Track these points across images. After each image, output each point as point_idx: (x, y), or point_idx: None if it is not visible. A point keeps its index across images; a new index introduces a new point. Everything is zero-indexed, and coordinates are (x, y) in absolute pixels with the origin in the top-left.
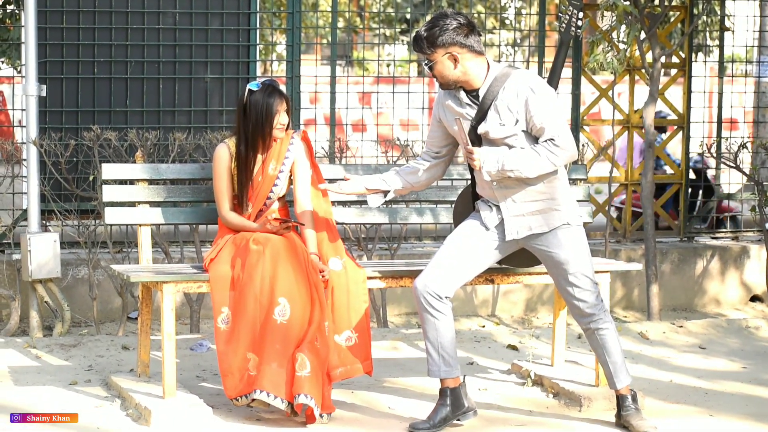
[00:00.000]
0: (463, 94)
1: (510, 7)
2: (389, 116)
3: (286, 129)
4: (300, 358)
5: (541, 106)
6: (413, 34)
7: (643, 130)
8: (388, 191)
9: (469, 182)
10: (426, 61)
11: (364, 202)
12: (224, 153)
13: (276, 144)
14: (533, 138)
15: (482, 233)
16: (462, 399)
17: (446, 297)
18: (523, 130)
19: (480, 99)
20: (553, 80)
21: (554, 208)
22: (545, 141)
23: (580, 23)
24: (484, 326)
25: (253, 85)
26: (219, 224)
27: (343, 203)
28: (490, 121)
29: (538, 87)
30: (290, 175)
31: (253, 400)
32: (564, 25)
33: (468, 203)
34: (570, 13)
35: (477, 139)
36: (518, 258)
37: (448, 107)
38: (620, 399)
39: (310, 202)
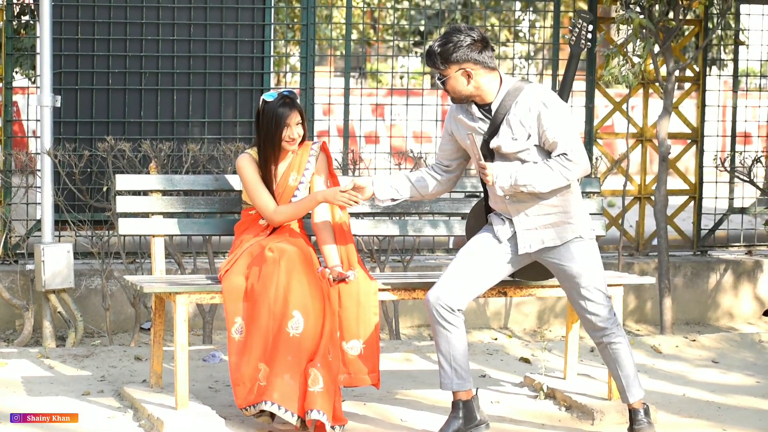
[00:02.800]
0: (475, 108)
1: (524, 19)
2: (402, 128)
3: (302, 141)
4: (313, 373)
5: (554, 121)
6: (426, 49)
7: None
8: (398, 199)
9: (482, 196)
10: (438, 76)
11: (378, 214)
12: (249, 160)
13: (297, 155)
14: (546, 152)
15: (495, 246)
16: (474, 412)
17: (459, 310)
18: (535, 145)
19: (492, 113)
20: (564, 93)
21: (567, 221)
22: (558, 156)
23: (590, 36)
24: (496, 339)
25: (268, 96)
26: (234, 235)
27: (356, 215)
28: (502, 135)
29: (551, 101)
30: (310, 186)
31: (262, 411)
32: (574, 38)
33: (481, 217)
34: (580, 26)
35: (489, 154)
36: (531, 271)
37: (460, 121)
38: (632, 413)
39: (328, 213)
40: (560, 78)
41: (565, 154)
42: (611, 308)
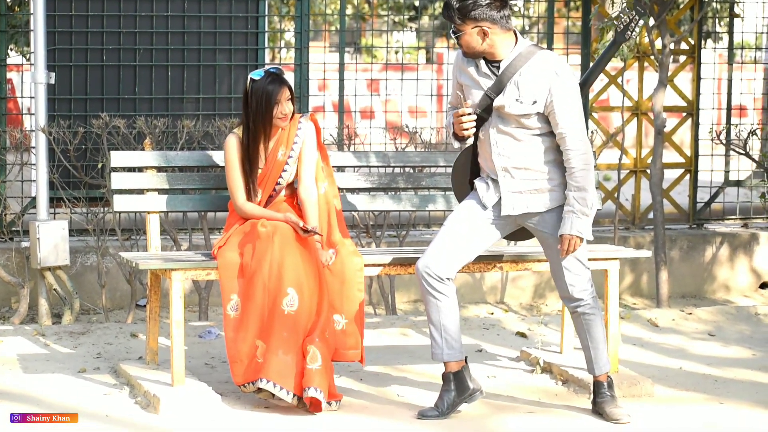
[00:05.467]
0: (482, 63)
1: None
2: (398, 103)
3: (292, 117)
4: (311, 350)
5: (562, 94)
6: (443, 2)
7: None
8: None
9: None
10: (453, 30)
11: (374, 189)
12: (234, 143)
13: (285, 130)
14: (545, 119)
15: (481, 213)
16: (466, 381)
17: (448, 278)
18: (538, 112)
19: (500, 71)
20: (592, 76)
21: (553, 189)
22: (565, 149)
23: (637, 30)
24: (492, 313)
25: (255, 74)
26: (228, 211)
27: (352, 190)
28: (507, 95)
29: (563, 71)
30: (299, 159)
31: (259, 389)
32: (622, 26)
33: (467, 159)
34: (631, 17)
35: (488, 111)
36: (520, 234)
37: (465, 71)
38: (597, 385)
39: (314, 185)
40: (556, 53)
41: (569, 147)
42: (589, 279)
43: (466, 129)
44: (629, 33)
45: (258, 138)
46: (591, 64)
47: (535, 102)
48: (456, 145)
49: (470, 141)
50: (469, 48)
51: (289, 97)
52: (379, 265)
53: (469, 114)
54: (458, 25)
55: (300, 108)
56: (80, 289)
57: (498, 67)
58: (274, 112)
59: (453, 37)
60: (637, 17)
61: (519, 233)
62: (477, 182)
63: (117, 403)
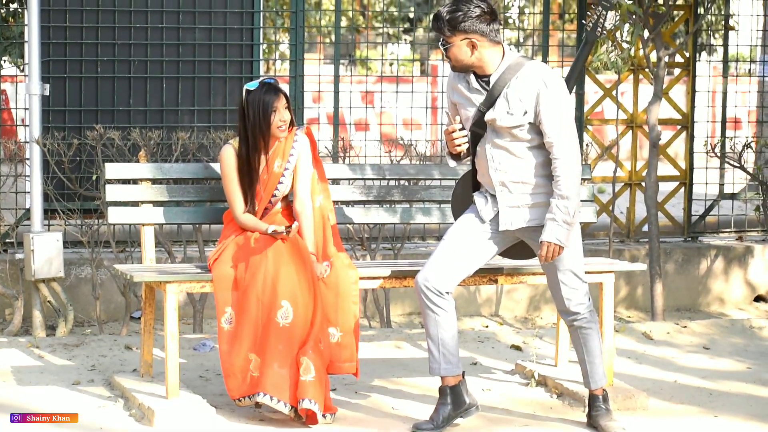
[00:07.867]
0: (473, 79)
1: (513, 5)
2: (392, 115)
3: (290, 127)
4: (304, 362)
5: (551, 105)
6: (433, 14)
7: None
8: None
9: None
10: (442, 42)
11: (369, 202)
12: (230, 154)
13: (281, 141)
14: (538, 131)
15: (479, 227)
16: (463, 396)
17: (447, 292)
18: (530, 122)
19: (490, 85)
20: (572, 80)
21: (550, 202)
22: (553, 158)
23: (608, 24)
24: (487, 326)
25: (250, 85)
26: (224, 224)
27: (347, 202)
28: (498, 108)
29: (551, 82)
30: (294, 172)
31: (257, 403)
32: (591, 25)
33: (468, 186)
34: (599, 13)
35: (482, 126)
36: (519, 250)
37: (457, 90)
38: (592, 398)
39: (310, 198)
40: (550, 65)
41: (556, 155)
42: (586, 293)
43: (458, 145)
44: (599, 30)
45: (258, 149)
46: (586, 77)
47: (525, 113)
48: (452, 164)
49: (467, 160)
50: (457, 61)
51: (286, 105)
52: (376, 278)
53: (460, 130)
54: (447, 37)
55: (295, 120)
56: (74, 301)
57: (488, 82)
58: (272, 121)
59: (441, 48)
60: (604, 12)
61: (517, 252)
62: (476, 196)
63: (111, 415)
